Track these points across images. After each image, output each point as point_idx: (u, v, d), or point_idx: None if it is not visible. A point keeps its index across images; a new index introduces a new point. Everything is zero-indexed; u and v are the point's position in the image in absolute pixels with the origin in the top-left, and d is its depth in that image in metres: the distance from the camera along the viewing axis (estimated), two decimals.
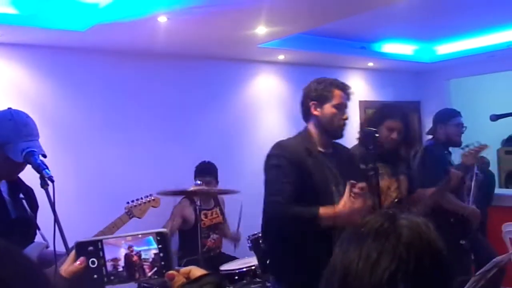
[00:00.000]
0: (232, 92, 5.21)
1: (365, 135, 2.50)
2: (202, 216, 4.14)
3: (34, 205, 2.20)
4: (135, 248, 1.10)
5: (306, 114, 2.52)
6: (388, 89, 6.60)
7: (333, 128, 2.45)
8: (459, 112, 3.79)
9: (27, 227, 2.05)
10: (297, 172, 2.33)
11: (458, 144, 3.65)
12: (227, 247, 4.40)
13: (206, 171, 4.21)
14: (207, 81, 5.01)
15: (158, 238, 1.09)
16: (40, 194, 2.21)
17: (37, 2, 3.38)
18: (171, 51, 4.59)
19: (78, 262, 1.12)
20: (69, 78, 4.13)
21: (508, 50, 5.46)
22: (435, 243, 0.89)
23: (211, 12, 3.43)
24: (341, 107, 2.45)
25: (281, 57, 5.22)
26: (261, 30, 3.93)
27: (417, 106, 6.99)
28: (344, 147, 2.62)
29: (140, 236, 1.11)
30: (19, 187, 2.13)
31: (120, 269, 1.10)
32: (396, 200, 2.95)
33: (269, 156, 2.44)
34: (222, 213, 4.39)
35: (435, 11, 4.45)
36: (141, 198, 2.87)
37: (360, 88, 6.33)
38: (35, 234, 2.10)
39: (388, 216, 0.92)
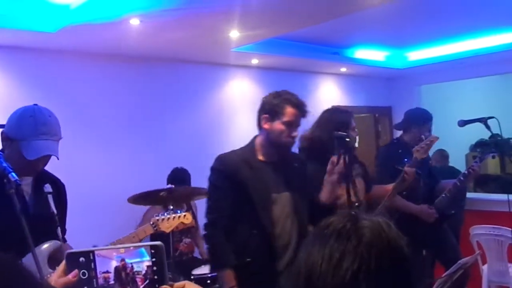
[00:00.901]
0: (205, 96, 5.21)
1: (336, 140, 2.52)
2: None
3: (62, 202, 2.18)
4: (127, 261, 1.07)
5: (258, 124, 2.55)
6: (361, 94, 6.69)
7: (279, 144, 2.47)
8: (432, 116, 3.85)
9: (45, 224, 2.00)
10: (233, 184, 2.40)
11: None
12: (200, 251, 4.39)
13: (179, 178, 4.18)
14: (180, 84, 5.00)
15: (153, 251, 1.06)
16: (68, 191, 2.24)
17: (6, 2, 3.32)
18: (144, 54, 4.56)
19: (71, 275, 1.10)
20: (38, 80, 4.06)
21: (476, 58, 5.60)
22: (396, 242, 0.91)
23: (184, 16, 3.42)
24: (291, 125, 2.45)
25: (254, 61, 5.24)
26: (235, 34, 3.94)
27: (389, 112, 7.11)
28: (296, 156, 2.64)
29: (132, 248, 1.08)
30: (45, 182, 2.10)
31: (111, 282, 1.07)
32: (356, 204, 2.97)
33: (211, 170, 2.51)
34: (194, 217, 4.37)
35: (406, 18, 4.53)
36: (171, 212, 2.74)
37: (333, 93, 6.41)
38: (55, 231, 2.05)
39: (350, 217, 0.94)
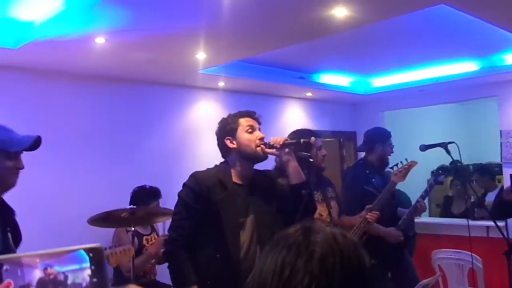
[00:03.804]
0: (171, 118, 5.17)
1: (299, 161, 2.53)
2: (145, 242, 4.04)
3: (18, 239, 2.08)
4: (57, 269, 0.83)
5: (225, 152, 2.53)
6: (326, 119, 6.77)
7: (253, 152, 2.45)
8: (390, 133, 3.95)
9: None
10: (204, 205, 2.38)
11: (387, 164, 3.79)
12: (162, 275, 4.28)
13: (139, 198, 4.08)
14: (146, 105, 4.95)
15: (90, 254, 0.85)
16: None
17: None
18: (109, 74, 4.51)
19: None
20: None
21: (436, 85, 5.77)
22: (350, 255, 0.89)
23: (150, 36, 3.41)
24: (252, 129, 2.47)
25: (221, 84, 5.25)
26: (201, 56, 3.94)
27: (353, 136, 7.21)
28: (265, 174, 2.61)
29: (65, 252, 0.84)
30: (8, 218, 2.03)
31: None
32: (332, 225, 3.01)
33: (183, 186, 2.49)
34: None
35: (370, 46, 4.64)
36: (116, 246, 2.73)
37: (298, 118, 6.46)
38: None
39: (303, 230, 0.92)
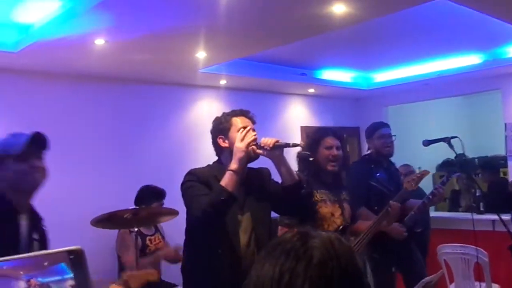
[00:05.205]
0: (173, 117, 5.17)
1: (300, 160, 2.51)
2: (148, 242, 4.05)
3: (44, 247, 2.02)
4: (41, 280, 0.83)
5: (218, 151, 2.52)
6: (329, 115, 6.75)
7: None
8: (384, 124, 3.86)
9: None
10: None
11: (389, 155, 3.72)
12: (167, 274, 4.29)
13: (141, 198, 4.09)
14: (148, 105, 4.95)
15: (71, 257, 0.85)
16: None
17: None
18: (110, 74, 4.51)
19: None
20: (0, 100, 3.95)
21: (439, 79, 5.74)
22: (347, 259, 0.89)
23: (150, 37, 3.40)
24: (245, 129, 2.44)
25: (222, 82, 5.24)
26: (201, 55, 3.93)
27: (356, 132, 7.18)
28: (256, 171, 2.58)
29: (46, 264, 0.84)
30: (36, 226, 2.01)
31: None
32: (341, 227, 2.95)
33: (183, 183, 2.45)
34: (163, 238, 4.30)
35: (372, 41, 4.62)
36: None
37: (301, 114, 6.45)
38: None
39: (299, 236, 0.92)
